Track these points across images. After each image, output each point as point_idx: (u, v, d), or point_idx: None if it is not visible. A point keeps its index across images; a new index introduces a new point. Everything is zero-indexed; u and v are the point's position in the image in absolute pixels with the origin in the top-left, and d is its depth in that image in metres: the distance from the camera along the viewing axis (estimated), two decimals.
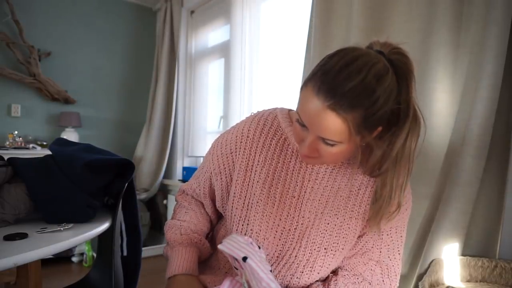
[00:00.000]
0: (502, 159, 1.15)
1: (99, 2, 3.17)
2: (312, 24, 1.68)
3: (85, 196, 0.82)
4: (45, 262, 2.43)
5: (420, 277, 1.15)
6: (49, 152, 0.90)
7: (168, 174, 3.22)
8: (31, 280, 0.98)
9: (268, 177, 0.77)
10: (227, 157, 0.82)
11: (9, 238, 0.67)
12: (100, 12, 3.17)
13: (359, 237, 0.78)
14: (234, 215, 0.79)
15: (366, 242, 0.78)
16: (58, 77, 2.92)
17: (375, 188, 0.74)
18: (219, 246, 0.67)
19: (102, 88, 3.20)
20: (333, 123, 0.61)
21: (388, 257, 0.79)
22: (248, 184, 0.79)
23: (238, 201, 0.79)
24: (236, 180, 0.80)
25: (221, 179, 0.83)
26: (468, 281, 1.15)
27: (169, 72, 3.14)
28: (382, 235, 0.78)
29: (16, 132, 2.67)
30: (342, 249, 0.76)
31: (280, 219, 0.76)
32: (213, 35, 3.07)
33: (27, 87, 2.82)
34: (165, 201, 3.10)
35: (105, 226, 0.84)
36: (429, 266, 1.16)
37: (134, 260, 1.06)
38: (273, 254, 0.76)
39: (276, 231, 0.76)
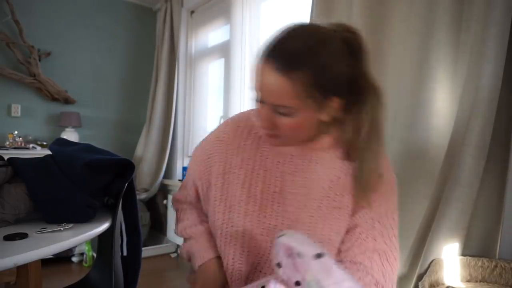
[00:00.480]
0: (502, 159, 1.15)
1: (99, 2, 3.16)
2: None
3: (85, 196, 0.82)
4: (45, 262, 2.42)
5: (420, 277, 1.15)
6: (49, 152, 0.90)
7: (168, 174, 3.22)
8: (31, 280, 0.98)
9: (247, 177, 0.78)
10: (204, 163, 0.85)
11: (9, 238, 0.67)
12: (100, 12, 3.17)
13: (351, 230, 0.77)
14: (217, 219, 0.80)
15: (360, 233, 0.77)
16: (58, 77, 2.92)
17: (356, 164, 0.76)
18: (281, 239, 0.59)
19: (102, 88, 3.20)
20: (282, 85, 0.63)
21: (384, 242, 0.77)
22: (227, 188, 0.80)
23: (219, 205, 0.80)
24: (215, 185, 0.81)
25: (202, 184, 0.85)
26: (468, 281, 1.15)
27: (169, 72, 3.14)
28: (374, 223, 0.76)
29: (16, 132, 2.67)
30: (329, 239, 0.75)
31: (265, 216, 0.76)
32: (213, 35, 3.07)
33: (27, 87, 2.82)
34: (165, 201, 3.10)
35: (105, 226, 0.84)
36: (429, 266, 1.16)
37: (134, 260, 1.06)
38: (263, 253, 0.75)
39: (263, 229, 0.75)
